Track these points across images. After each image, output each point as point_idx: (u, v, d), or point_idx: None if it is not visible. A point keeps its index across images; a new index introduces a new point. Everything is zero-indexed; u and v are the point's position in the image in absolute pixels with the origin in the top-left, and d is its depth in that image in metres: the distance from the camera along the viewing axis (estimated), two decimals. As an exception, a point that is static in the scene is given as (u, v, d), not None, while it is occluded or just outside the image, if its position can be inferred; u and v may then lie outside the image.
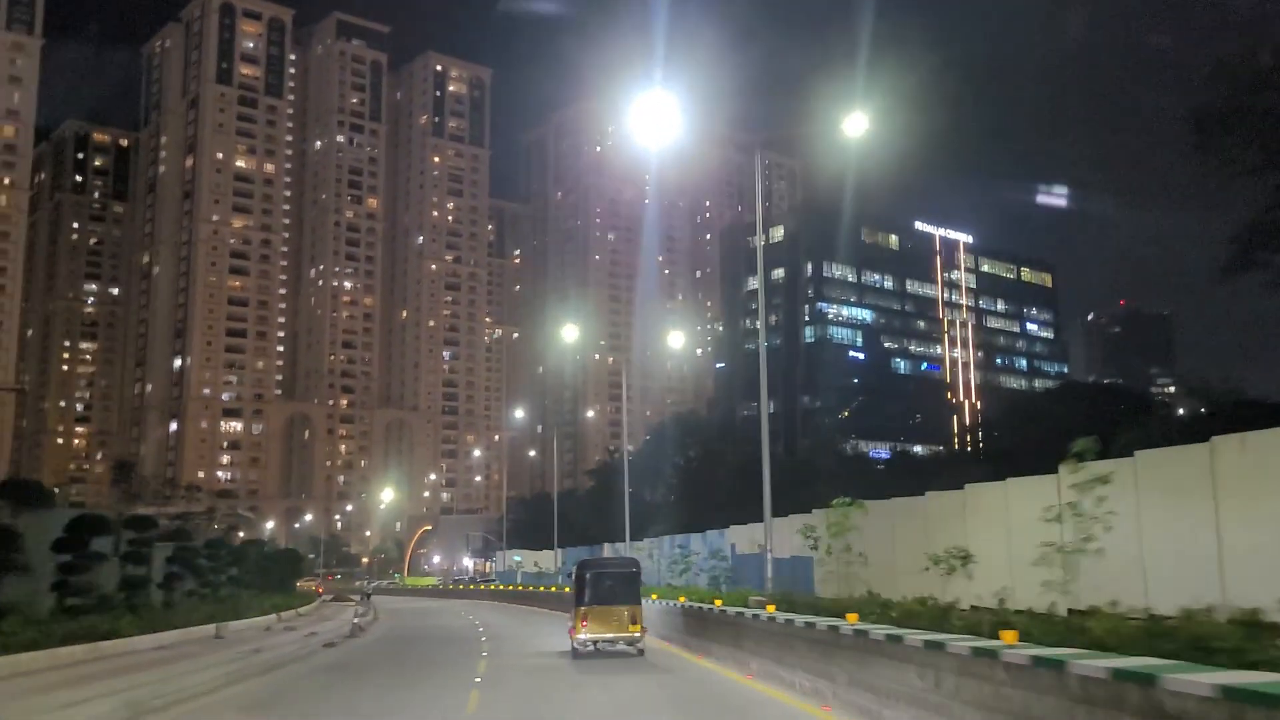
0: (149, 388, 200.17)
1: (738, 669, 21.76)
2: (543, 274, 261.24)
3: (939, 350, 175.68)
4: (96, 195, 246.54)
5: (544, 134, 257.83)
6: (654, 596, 33.49)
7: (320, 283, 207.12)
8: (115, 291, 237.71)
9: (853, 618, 15.86)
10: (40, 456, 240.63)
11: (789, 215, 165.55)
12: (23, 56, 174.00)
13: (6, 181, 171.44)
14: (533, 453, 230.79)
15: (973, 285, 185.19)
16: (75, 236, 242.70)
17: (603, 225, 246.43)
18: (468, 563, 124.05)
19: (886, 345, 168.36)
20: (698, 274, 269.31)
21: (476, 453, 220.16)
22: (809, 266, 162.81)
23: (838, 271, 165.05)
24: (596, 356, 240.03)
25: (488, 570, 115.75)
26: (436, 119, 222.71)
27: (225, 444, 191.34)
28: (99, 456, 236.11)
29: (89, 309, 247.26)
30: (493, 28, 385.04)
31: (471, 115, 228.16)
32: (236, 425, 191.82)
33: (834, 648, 15.67)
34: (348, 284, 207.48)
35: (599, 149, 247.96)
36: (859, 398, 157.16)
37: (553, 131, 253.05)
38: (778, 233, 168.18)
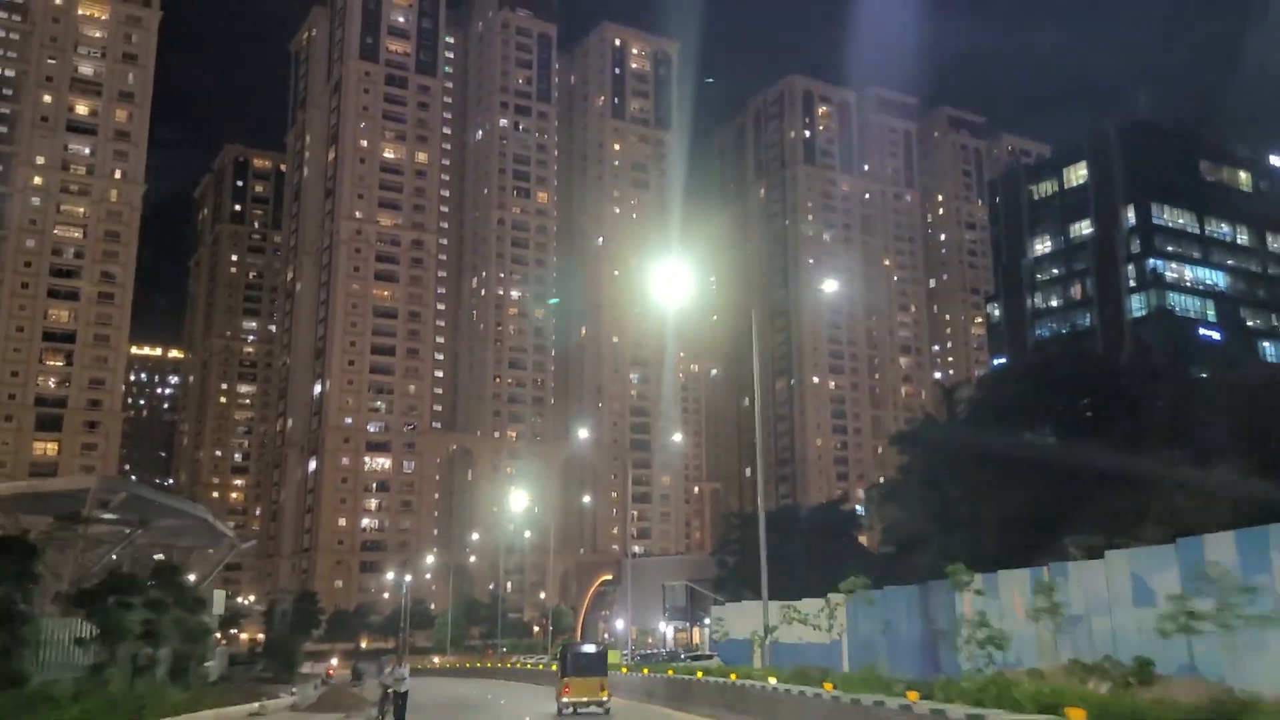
0: (289, 422, 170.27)
1: None
2: (743, 290, 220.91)
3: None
4: (256, 225, 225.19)
5: (742, 122, 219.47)
6: None
7: (483, 292, 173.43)
8: (274, 328, 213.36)
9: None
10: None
11: (1097, 148, 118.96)
12: (139, 31, 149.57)
13: (117, 175, 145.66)
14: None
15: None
16: (234, 270, 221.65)
17: (816, 223, 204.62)
18: (664, 629, 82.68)
19: (1249, 323, 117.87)
20: (932, 282, 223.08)
21: (666, 486, 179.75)
22: (1130, 213, 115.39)
23: (1170, 218, 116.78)
24: (816, 380, 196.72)
25: (696, 642, 73.79)
26: (615, 100, 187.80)
27: (372, 485, 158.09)
28: (257, 512, 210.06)
29: (248, 348, 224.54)
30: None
31: (656, 95, 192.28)
32: (384, 462, 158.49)
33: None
34: (515, 293, 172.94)
35: (807, 134, 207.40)
36: (1211, 395, 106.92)
37: (752, 116, 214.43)
38: (1077, 173, 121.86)
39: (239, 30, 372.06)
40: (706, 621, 66.19)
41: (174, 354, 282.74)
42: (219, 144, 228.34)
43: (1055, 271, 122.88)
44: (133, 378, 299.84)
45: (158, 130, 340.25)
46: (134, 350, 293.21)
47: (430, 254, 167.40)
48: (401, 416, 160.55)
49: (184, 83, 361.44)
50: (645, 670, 44.94)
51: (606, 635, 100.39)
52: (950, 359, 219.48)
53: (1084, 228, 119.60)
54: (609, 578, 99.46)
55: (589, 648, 40.67)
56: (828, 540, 55.73)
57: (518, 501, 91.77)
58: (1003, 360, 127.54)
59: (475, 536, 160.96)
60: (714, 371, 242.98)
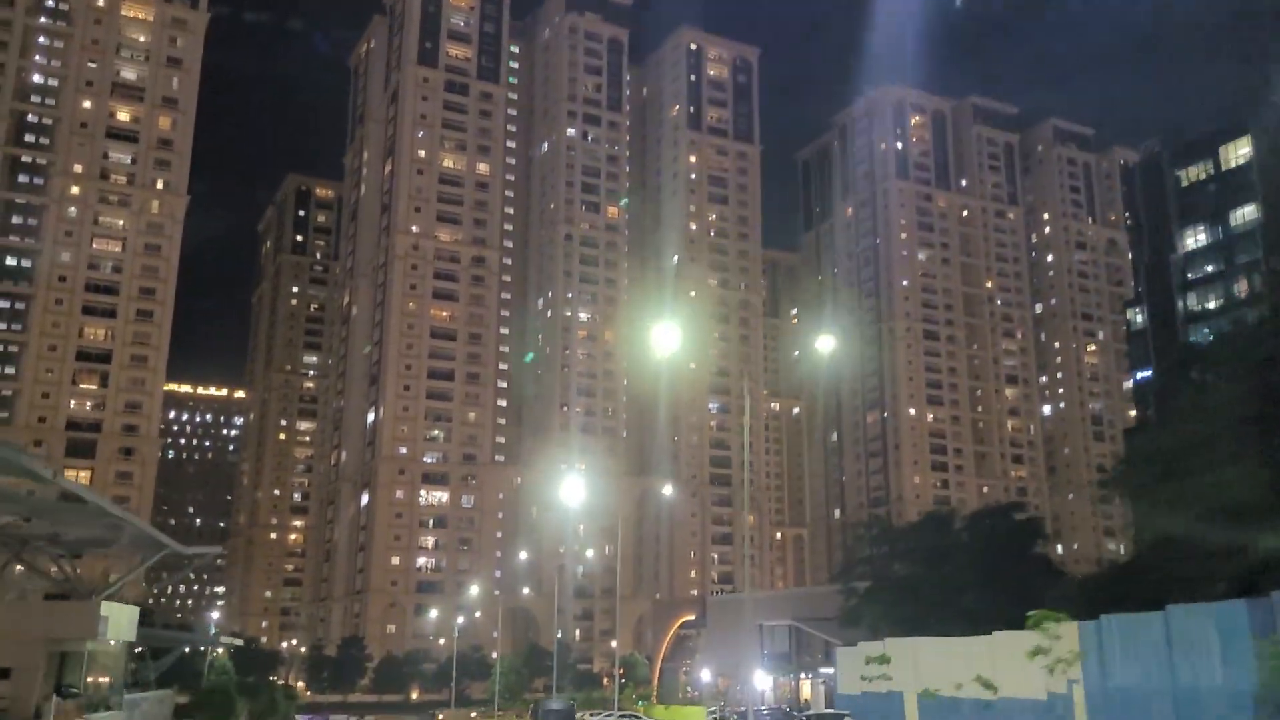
0: (344, 455, 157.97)
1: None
2: (828, 319, 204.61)
3: None
4: (318, 256, 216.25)
5: (828, 141, 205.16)
6: None
7: (549, 313, 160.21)
8: (332, 360, 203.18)
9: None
10: (252, 556, 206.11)
11: (1263, 120, 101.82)
12: (184, 35, 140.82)
13: (159, 185, 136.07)
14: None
15: None
16: (295, 302, 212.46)
17: (909, 241, 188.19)
18: (762, 683, 66.52)
19: None
20: (1039, 307, 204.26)
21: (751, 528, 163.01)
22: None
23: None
24: (912, 412, 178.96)
25: (806, 697, 57.63)
26: (692, 109, 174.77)
27: (429, 521, 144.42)
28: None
29: (308, 383, 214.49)
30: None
31: (736, 104, 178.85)
32: (442, 496, 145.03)
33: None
34: (584, 314, 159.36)
35: (899, 145, 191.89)
36: None
37: (838, 132, 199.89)
38: (1236, 151, 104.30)
39: (298, 56, 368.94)
40: (826, 670, 50.23)
41: (239, 394, 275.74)
42: (279, 182, 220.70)
43: (1210, 268, 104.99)
44: (199, 418, 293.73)
45: (214, 173, 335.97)
46: (199, 391, 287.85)
47: (492, 271, 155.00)
48: (460, 446, 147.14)
49: (242, 117, 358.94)
50: None
51: (690, 690, 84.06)
52: (1060, 390, 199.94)
53: (1248, 214, 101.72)
54: (690, 618, 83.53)
55: (557, 705, 43.19)
56: (1002, 555, 40.11)
57: (574, 496, 76.63)
58: (1148, 374, 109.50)
59: (539, 577, 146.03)
60: (795, 410, 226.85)
